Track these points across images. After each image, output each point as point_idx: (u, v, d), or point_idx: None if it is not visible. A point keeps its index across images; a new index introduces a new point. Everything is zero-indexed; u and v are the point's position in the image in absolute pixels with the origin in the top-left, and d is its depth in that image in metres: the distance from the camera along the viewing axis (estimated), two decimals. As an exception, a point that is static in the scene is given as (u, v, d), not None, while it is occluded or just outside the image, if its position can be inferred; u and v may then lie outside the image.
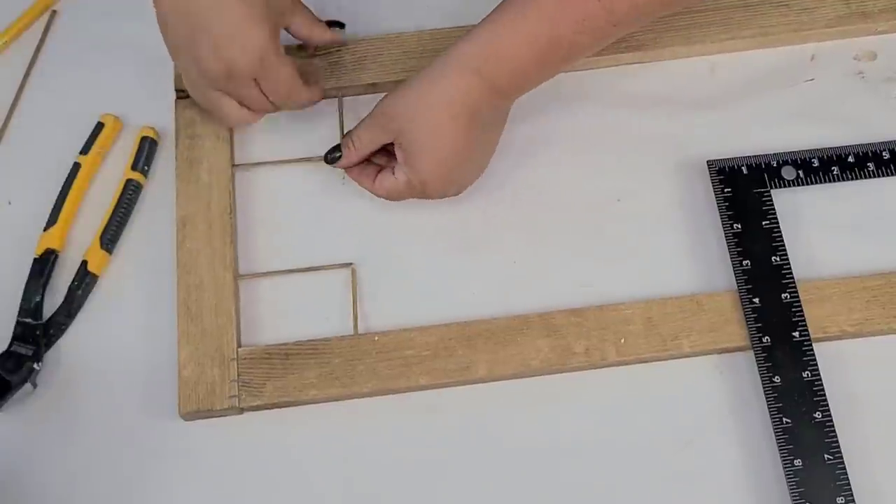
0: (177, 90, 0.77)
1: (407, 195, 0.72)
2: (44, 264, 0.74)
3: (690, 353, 0.70)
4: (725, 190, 0.74)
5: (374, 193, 0.73)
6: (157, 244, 0.75)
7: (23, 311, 0.73)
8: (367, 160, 0.73)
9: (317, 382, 0.69)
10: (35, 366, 0.71)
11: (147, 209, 0.77)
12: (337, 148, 0.72)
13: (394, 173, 0.71)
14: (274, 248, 0.75)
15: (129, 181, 0.76)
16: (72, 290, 0.74)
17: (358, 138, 0.71)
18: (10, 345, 0.71)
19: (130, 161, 0.77)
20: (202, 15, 0.67)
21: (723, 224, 0.74)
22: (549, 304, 0.72)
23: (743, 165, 0.75)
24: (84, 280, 0.74)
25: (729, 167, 0.75)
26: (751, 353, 0.70)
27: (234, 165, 0.76)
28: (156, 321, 0.73)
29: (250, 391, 0.69)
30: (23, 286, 0.74)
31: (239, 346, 0.71)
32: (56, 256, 0.75)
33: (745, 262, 0.72)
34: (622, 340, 0.70)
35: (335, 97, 0.78)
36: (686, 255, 0.74)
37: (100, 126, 0.78)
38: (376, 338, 0.71)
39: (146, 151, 0.77)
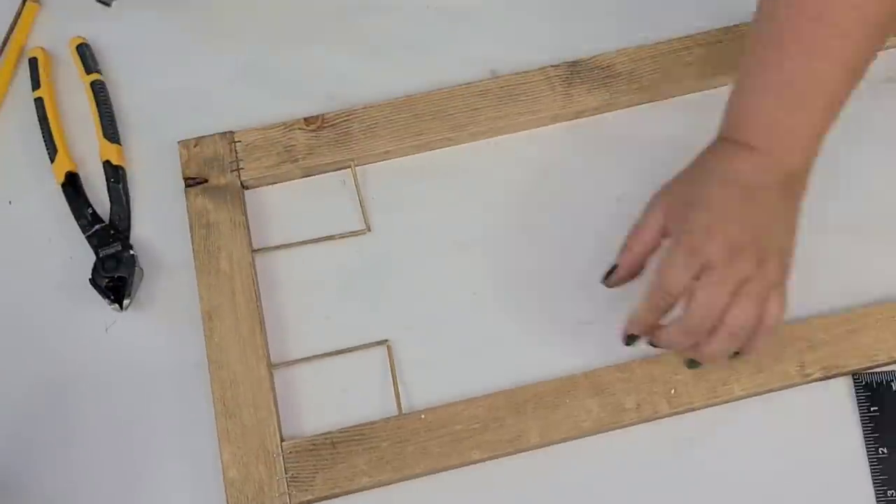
0: (185, 178, 0.75)
1: (681, 265, 0.62)
2: (73, 184, 0.77)
3: (742, 395, 0.69)
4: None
5: (654, 294, 0.63)
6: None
7: (85, 227, 0.76)
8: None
9: (367, 469, 0.67)
10: (131, 251, 0.75)
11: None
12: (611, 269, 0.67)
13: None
14: (305, 333, 0.73)
15: (93, 83, 0.80)
16: (113, 187, 0.77)
17: (632, 233, 0.66)
18: (98, 254, 0.74)
19: (80, 69, 0.80)
20: None
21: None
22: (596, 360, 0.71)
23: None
24: (117, 173, 0.77)
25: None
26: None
27: (253, 251, 0.74)
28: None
29: (300, 486, 0.67)
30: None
31: (282, 439, 0.68)
32: (78, 176, 0.78)
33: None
34: (672, 391, 0.69)
35: (348, 167, 0.77)
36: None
37: (34, 61, 0.81)
38: (423, 415, 0.69)
39: (87, 55, 0.81)
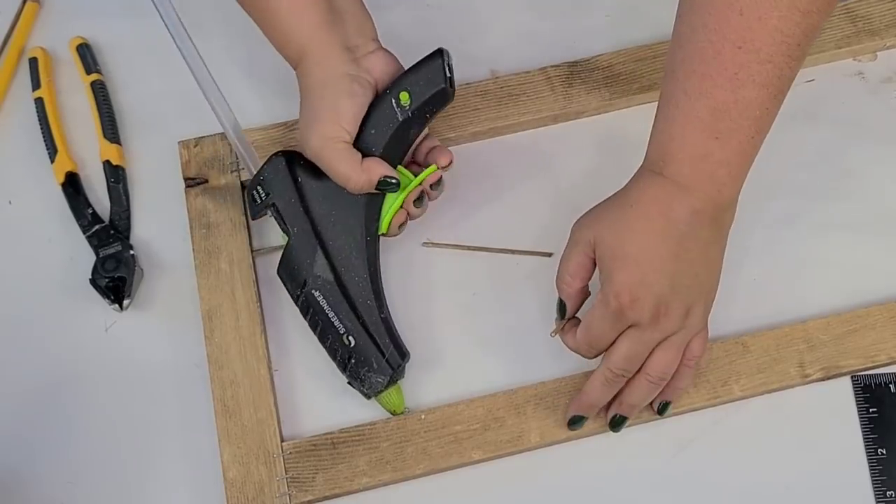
0: (185, 178, 0.75)
1: (603, 322, 0.63)
2: (73, 184, 0.77)
3: (742, 396, 0.69)
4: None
5: (579, 347, 0.65)
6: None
7: (85, 227, 0.76)
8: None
9: (367, 469, 0.67)
10: (131, 251, 0.74)
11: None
12: (559, 300, 0.67)
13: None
14: (305, 333, 0.72)
15: (93, 83, 0.80)
16: (113, 187, 0.77)
17: (563, 267, 0.65)
18: (98, 254, 0.74)
19: (80, 69, 0.81)
20: (315, 92, 0.69)
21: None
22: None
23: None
24: (117, 173, 0.77)
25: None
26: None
27: (253, 251, 0.74)
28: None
29: (300, 486, 0.67)
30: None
31: (282, 440, 0.68)
32: (78, 176, 0.78)
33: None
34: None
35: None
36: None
37: (34, 61, 0.81)
38: (423, 416, 0.69)
39: (87, 55, 0.81)
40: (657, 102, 0.63)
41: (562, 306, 0.66)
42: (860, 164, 0.77)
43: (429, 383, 0.71)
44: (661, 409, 0.67)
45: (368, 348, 0.68)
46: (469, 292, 0.74)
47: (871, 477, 0.68)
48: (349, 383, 0.69)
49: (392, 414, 0.69)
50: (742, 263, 0.74)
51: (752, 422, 0.70)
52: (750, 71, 0.58)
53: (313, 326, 0.70)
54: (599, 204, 0.65)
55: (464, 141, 0.77)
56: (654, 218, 0.61)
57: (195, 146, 0.77)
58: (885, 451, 0.68)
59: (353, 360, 0.68)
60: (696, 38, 0.59)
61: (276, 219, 0.71)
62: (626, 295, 0.61)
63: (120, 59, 0.82)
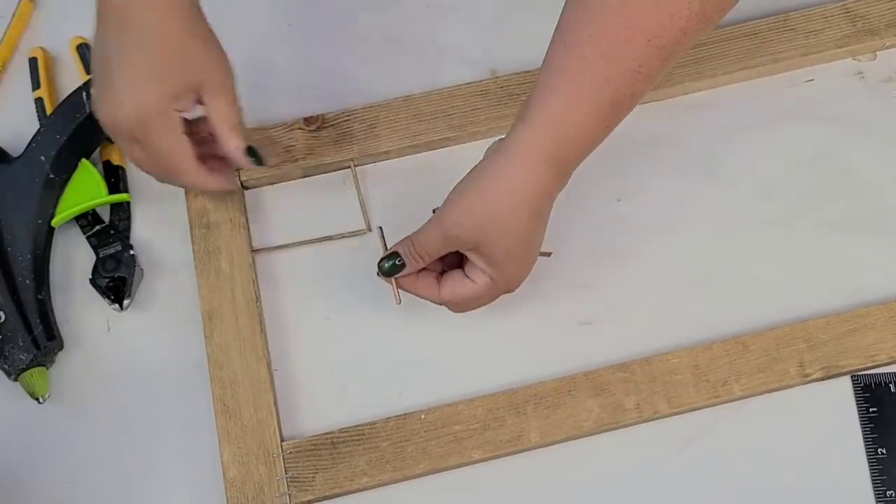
0: (185, 178, 0.75)
1: (487, 299, 0.66)
2: None
3: (742, 395, 0.69)
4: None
5: (440, 302, 0.67)
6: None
7: (85, 227, 0.76)
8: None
9: (367, 469, 0.67)
10: (131, 251, 0.74)
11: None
12: (392, 256, 0.66)
13: (468, 276, 0.65)
14: (305, 333, 0.72)
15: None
16: (113, 187, 0.77)
17: (425, 248, 0.64)
18: (98, 254, 0.75)
19: (80, 69, 0.80)
20: (112, 59, 0.64)
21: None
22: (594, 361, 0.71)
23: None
24: (117, 173, 0.77)
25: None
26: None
27: (253, 251, 0.74)
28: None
29: (300, 486, 0.67)
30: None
31: (282, 439, 0.68)
32: None
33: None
34: (673, 391, 0.69)
35: (348, 167, 0.77)
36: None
37: (34, 61, 0.81)
38: (423, 415, 0.69)
39: (87, 55, 0.81)
40: (543, 68, 0.61)
41: (399, 268, 0.65)
42: (860, 164, 0.77)
43: (429, 383, 0.71)
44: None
45: (17, 325, 0.70)
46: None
47: (871, 477, 0.68)
48: None
49: (33, 398, 0.70)
50: (742, 263, 0.74)
51: (752, 422, 0.70)
52: (650, 66, 0.59)
53: None
54: (476, 191, 0.62)
55: (464, 141, 0.77)
56: (540, 209, 0.63)
57: (195, 146, 0.77)
58: (885, 451, 0.68)
59: None
60: (608, 19, 0.58)
61: None
62: (517, 280, 0.66)
63: (120, 59, 0.82)
